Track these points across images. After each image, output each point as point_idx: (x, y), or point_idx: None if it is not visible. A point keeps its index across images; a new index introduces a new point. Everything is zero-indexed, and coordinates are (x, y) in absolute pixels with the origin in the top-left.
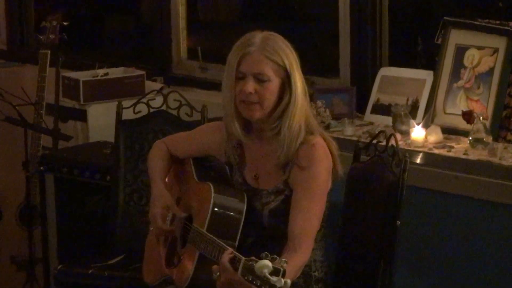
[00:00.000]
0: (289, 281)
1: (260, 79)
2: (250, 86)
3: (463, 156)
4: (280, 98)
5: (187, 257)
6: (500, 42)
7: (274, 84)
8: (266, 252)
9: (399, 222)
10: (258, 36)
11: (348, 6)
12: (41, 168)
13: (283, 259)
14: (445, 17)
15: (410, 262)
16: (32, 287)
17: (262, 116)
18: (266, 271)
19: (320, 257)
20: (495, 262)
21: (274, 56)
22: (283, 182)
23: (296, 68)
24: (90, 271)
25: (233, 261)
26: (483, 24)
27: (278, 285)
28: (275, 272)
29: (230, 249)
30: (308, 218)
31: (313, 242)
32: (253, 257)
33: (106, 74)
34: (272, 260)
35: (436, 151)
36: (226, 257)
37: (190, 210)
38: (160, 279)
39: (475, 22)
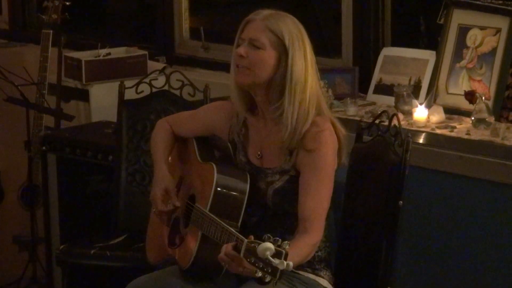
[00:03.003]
0: (291, 264)
1: (255, 46)
2: (242, 49)
3: (466, 136)
4: (275, 72)
5: (190, 237)
6: (503, 22)
7: (268, 54)
8: (268, 235)
9: (401, 202)
10: (268, 10)
11: None
12: (43, 148)
13: (286, 242)
14: None
15: (412, 242)
16: (34, 267)
17: (251, 84)
18: (268, 253)
19: (323, 237)
20: (498, 242)
21: (274, 27)
22: (289, 165)
23: (298, 47)
24: (92, 251)
25: (235, 244)
26: (486, 4)
27: (280, 267)
28: (277, 254)
29: (230, 244)
30: (318, 199)
31: (323, 223)
32: (255, 239)
33: (109, 54)
34: (274, 243)
35: (438, 131)
36: (229, 247)
37: (193, 189)
38: (163, 259)
39: (478, 2)
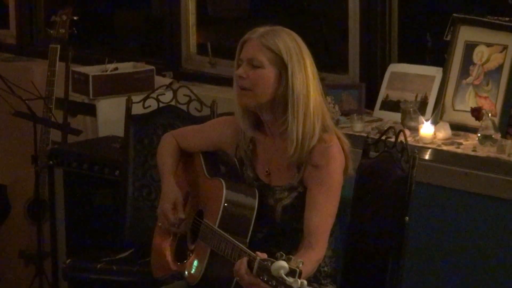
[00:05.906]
0: (305, 282)
1: (253, 65)
2: (242, 69)
3: (472, 153)
4: (277, 88)
5: (198, 253)
6: (509, 39)
7: (268, 71)
8: (281, 252)
9: (407, 218)
10: (264, 27)
11: (357, 2)
12: (50, 162)
13: (299, 260)
14: (454, 14)
15: (418, 258)
16: (41, 282)
17: (256, 105)
18: (282, 272)
19: (330, 253)
20: (504, 259)
21: (270, 44)
22: (297, 180)
23: (297, 60)
24: (98, 266)
25: (248, 262)
26: (492, 21)
27: (294, 286)
28: (292, 273)
29: (245, 259)
30: (324, 215)
31: (327, 239)
32: (268, 257)
33: (116, 69)
34: (288, 260)
35: (444, 147)
36: (243, 265)
37: (201, 205)
38: (168, 274)
39: (485, 19)
